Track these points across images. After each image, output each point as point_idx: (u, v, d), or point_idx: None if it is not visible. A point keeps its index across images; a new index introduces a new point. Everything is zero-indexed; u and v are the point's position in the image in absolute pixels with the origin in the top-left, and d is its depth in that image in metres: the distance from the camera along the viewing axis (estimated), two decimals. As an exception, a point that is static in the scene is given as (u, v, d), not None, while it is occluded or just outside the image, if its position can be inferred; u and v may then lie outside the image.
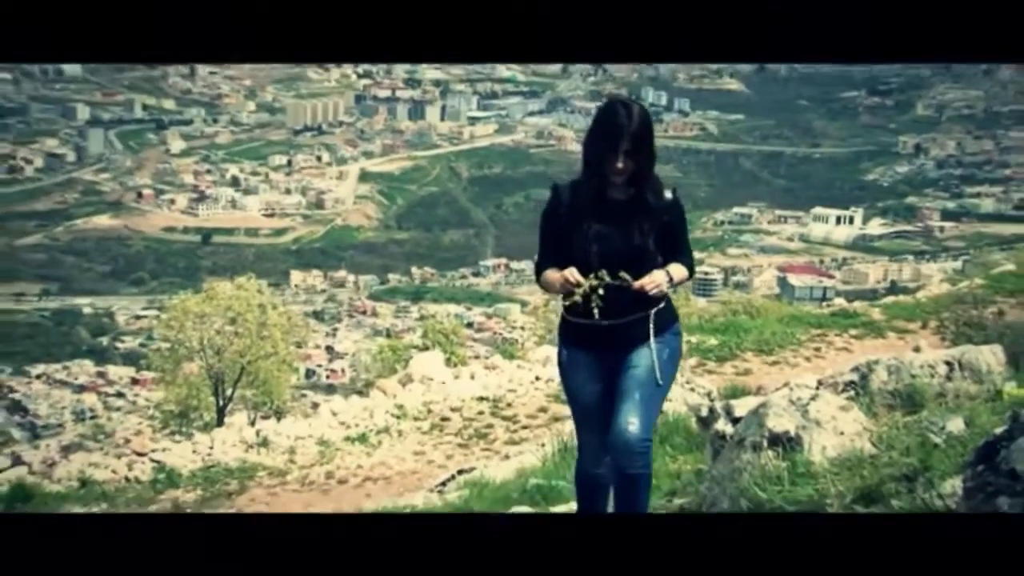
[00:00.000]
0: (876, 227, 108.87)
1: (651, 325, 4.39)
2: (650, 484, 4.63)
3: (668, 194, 4.42)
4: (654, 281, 4.24)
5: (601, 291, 4.22)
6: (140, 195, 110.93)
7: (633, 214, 4.35)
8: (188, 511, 13.07)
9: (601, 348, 4.42)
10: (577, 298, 4.24)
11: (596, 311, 4.23)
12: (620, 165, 4.26)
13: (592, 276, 4.23)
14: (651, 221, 4.36)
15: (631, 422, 4.32)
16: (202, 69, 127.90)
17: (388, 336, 52.64)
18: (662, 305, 4.42)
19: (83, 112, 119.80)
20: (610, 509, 4.63)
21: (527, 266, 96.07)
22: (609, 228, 4.32)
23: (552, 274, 4.38)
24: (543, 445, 11.39)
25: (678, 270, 4.37)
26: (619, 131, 4.24)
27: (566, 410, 15.87)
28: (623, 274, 4.22)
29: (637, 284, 4.22)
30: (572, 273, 4.23)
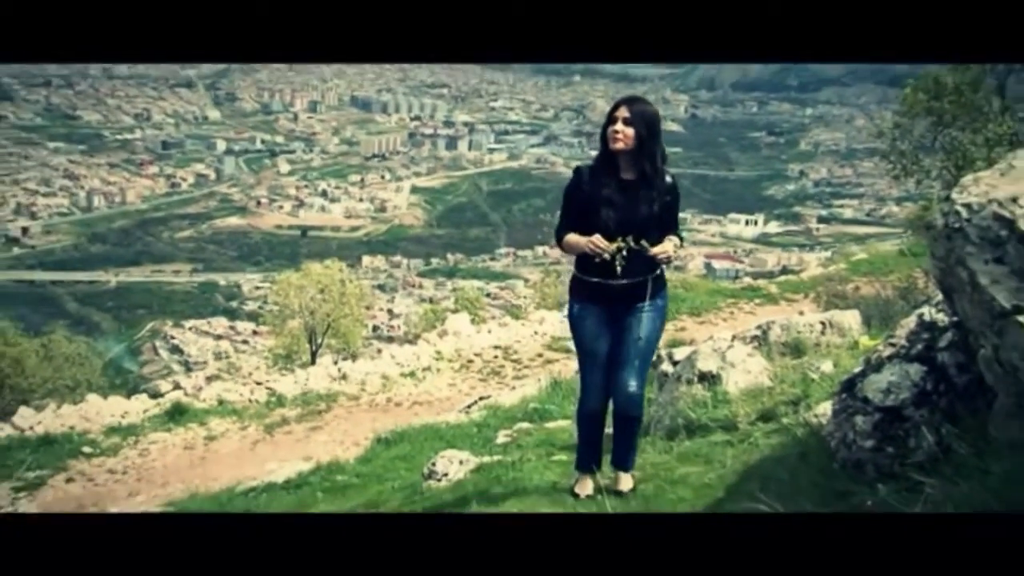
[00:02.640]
0: (773, 228, 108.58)
1: (648, 288, 4.06)
2: (641, 421, 4.42)
3: (668, 178, 4.08)
4: (665, 249, 3.95)
5: (625, 252, 3.91)
6: (259, 203, 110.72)
7: (640, 190, 4.00)
8: (291, 426, 13.02)
9: (607, 303, 4.07)
10: (607, 256, 3.90)
11: (619, 268, 3.90)
12: (617, 127, 3.93)
13: (619, 239, 3.90)
14: (655, 197, 4.01)
15: (631, 384, 4.10)
16: (303, 114, 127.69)
17: (430, 302, 52.56)
18: (658, 272, 4.10)
19: (221, 145, 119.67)
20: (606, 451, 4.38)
21: (528, 254, 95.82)
22: (621, 200, 3.97)
23: (576, 238, 3.99)
24: (539, 380, 11.44)
25: (677, 243, 4.07)
26: (618, 104, 3.99)
27: (558, 355, 15.88)
28: (643, 241, 3.91)
29: (653, 250, 3.92)
30: (598, 239, 3.90)
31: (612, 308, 4.09)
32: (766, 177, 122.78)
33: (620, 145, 3.95)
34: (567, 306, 4.30)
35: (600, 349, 4.12)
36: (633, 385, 4.13)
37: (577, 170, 4.15)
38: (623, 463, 4.31)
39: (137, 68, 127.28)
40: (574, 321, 4.19)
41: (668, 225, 4.08)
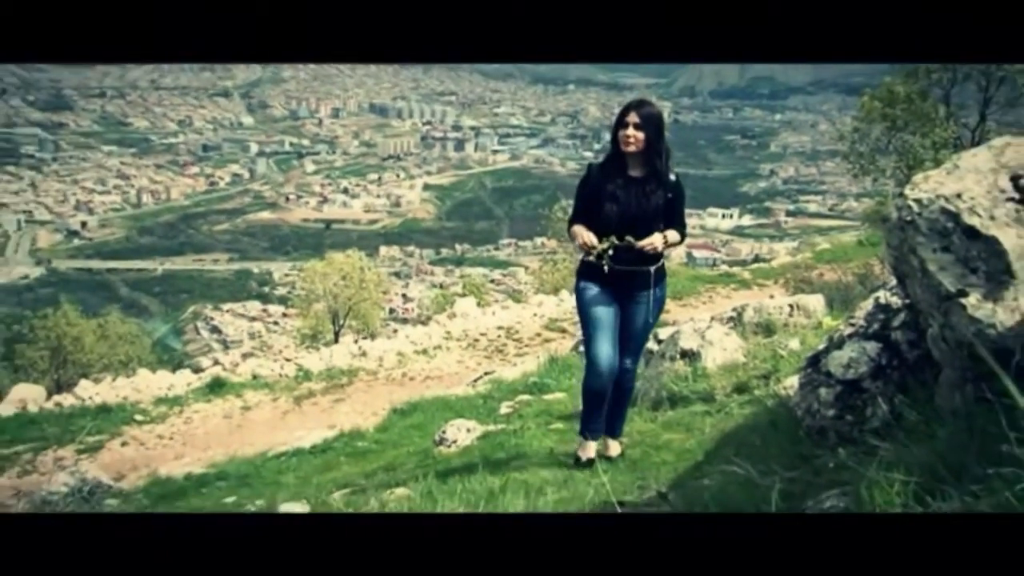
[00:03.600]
0: (746, 220, 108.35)
1: (652, 278, 3.94)
2: (632, 393, 4.40)
3: (672, 176, 3.94)
4: (651, 242, 3.80)
5: (611, 251, 3.78)
6: (287, 199, 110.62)
7: (644, 186, 3.87)
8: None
9: (610, 285, 3.92)
10: (592, 257, 3.83)
11: (606, 267, 3.81)
12: (629, 132, 3.81)
13: (604, 239, 3.79)
14: (658, 193, 3.88)
15: (626, 361, 4.07)
16: (327, 120, 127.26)
17: (440, 288, 52.54)
18: (659, 264, 3.96)
19: (254, 147, 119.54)
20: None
21: (528, 245, 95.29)
22: (625, 196, 3.85)
23: (578, 230, 3.89)
24: (538, 357, 11.42)
25: (672, 235, 3.90)
26: (628, 108, 3.88)
27: (555, 334, 15.83)
28: (628, 238, 3.77)
29: (639, 244, 3.79)
30: (590, 238, 3.81)
31: (615, 291, 3.96)
32: (740, 175, 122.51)
33: (632, 148, 3.85)
34: (574, 287, 4.17)
35: (606, 322, 3.95)
36: (628, 362, 4.11)
37: (588, 166, 4.06)
38: (613, 431, 4.29)
39: (180, 80, 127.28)
40: (580, 298, 4.03)
41: (671, 221, 3.94)
